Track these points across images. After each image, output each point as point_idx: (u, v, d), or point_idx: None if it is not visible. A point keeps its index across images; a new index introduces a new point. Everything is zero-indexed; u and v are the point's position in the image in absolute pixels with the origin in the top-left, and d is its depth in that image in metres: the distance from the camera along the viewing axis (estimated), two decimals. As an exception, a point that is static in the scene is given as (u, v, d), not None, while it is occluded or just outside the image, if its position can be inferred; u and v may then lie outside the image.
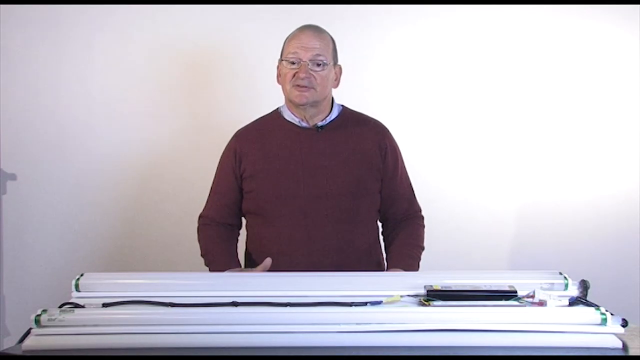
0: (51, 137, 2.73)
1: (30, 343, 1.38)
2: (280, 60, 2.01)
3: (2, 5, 2.66)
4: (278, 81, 2.04)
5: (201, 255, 2.07)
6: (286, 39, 2.02)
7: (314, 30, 2.00)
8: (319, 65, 1.96)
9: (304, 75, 1.94)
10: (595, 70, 2.77)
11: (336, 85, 2.06)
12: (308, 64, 1.94)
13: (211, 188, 2.12)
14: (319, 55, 1.95)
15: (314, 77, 1.95)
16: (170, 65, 2.74)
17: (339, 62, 2.06)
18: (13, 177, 2.73)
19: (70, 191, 2.75)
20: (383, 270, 2.05)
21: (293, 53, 1.96)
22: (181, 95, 2.76)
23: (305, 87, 1.95)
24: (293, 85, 1.96)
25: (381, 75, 2.78)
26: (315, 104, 1.99)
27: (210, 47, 2.74)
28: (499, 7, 2.73)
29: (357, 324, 1.41)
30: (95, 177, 2.75)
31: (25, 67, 2.71)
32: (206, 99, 2.77)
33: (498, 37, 2.76)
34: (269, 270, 1.90)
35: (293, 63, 1.96)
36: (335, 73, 2.04)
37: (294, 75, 1.96)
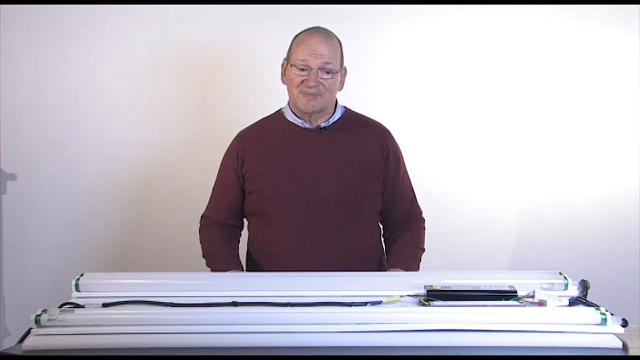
0: (51, 137, 2.72)
1: (30, 343, 1.38)
2: (288, 63, 1.99)
3: (4, 5, 2.65)
4: (282, 80, 2.03)
5: (203, 256, 2.07)
6: (293, 41, 2.00)
7: (322, 35, 1.97)
8: (328, 72, 1.94)
9: (313, 84, 1.93)
10: (596, 70, 2.76)
11: (341, 88, 2.04)
12: (317, 73, 1.93)
13: (213, 189, 2.12)
14: (328, 63, 1.93)
15: (323, 84, 1.94)
16: (173, 66, 2.73)
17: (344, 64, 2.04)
18: (13, 177, 2.73)
19: (70, 191, 2.74)
20: (384, 271, 2.04)
21: (302, 60, 1.93)
22: (183, 96, 2.75)
23: (313, 94, 1.94)
24: (300, 92, 1.95)
25: (383, 76, 2.76)
26: (321, 109, 1.99)
27: (213, 48, 2.73)
28: (502, 7, 2.72)
29: (357, 324, 1.41)
30: (95, 177, 2.75)
31: (26, 66, 2.70)
32: (208, 100, 2.76)
33: (500, 38, 2.75)
34: (269, 271, 1.90)
35: (302, 70, 1.94)
36: (341, 76, 2.02)
37: (302, 82, 1.94)
